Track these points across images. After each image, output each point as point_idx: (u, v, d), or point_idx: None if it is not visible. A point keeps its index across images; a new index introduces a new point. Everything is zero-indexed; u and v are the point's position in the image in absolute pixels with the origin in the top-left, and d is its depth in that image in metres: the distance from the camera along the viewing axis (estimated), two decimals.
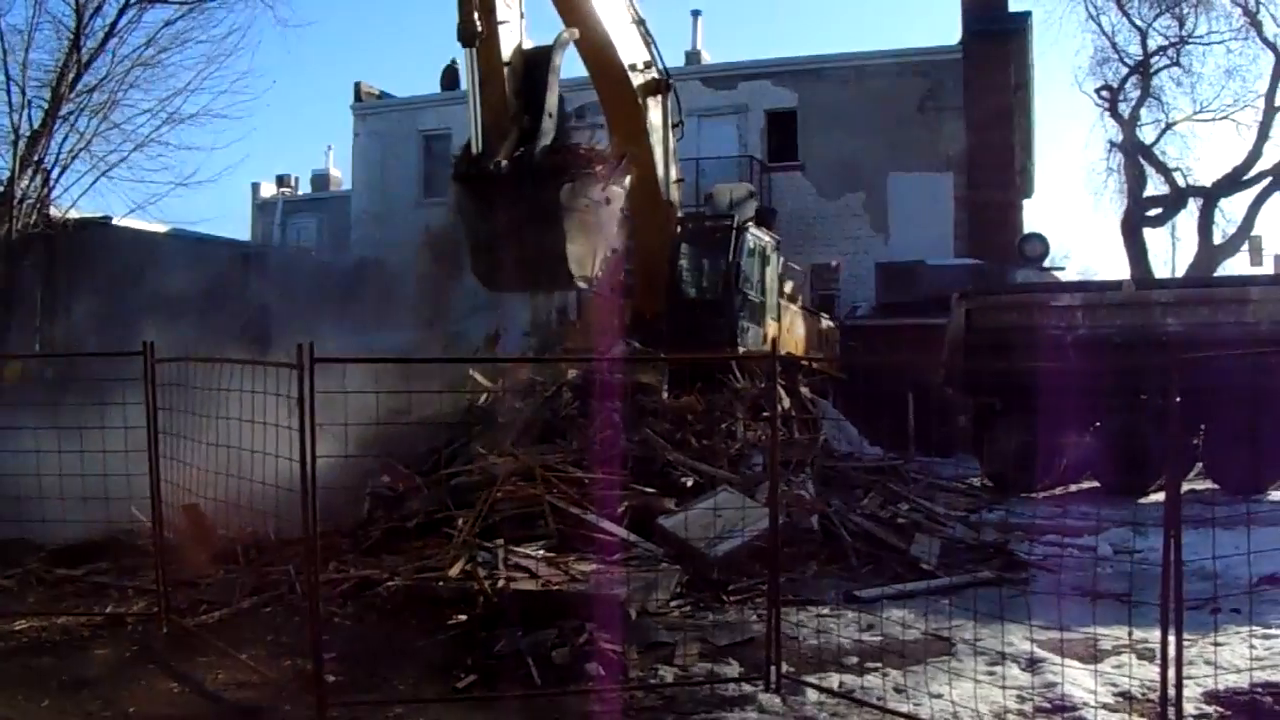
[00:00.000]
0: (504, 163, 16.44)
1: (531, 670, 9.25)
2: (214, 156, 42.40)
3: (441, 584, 11.55)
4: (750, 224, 25.15)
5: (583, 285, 18.23)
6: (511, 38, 16.98)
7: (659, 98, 21.26)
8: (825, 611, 11.67)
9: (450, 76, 47.93)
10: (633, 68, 20.36)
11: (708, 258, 25.23)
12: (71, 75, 28.34)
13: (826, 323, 31.93)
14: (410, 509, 14.17)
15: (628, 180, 18.95)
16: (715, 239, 25.04)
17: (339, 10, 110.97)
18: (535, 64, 17.44)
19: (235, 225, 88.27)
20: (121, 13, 28.56)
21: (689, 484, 15.13)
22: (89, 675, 9.51)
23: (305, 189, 63.03)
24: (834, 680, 9.28)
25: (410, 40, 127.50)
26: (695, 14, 46.43)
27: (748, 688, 9.15)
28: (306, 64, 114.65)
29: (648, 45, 21.02)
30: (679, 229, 23.31)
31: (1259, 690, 8.73)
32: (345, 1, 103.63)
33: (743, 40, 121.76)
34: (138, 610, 11.68)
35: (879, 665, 9.70)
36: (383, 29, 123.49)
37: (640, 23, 20.82)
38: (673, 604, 11.93)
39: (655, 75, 21.12)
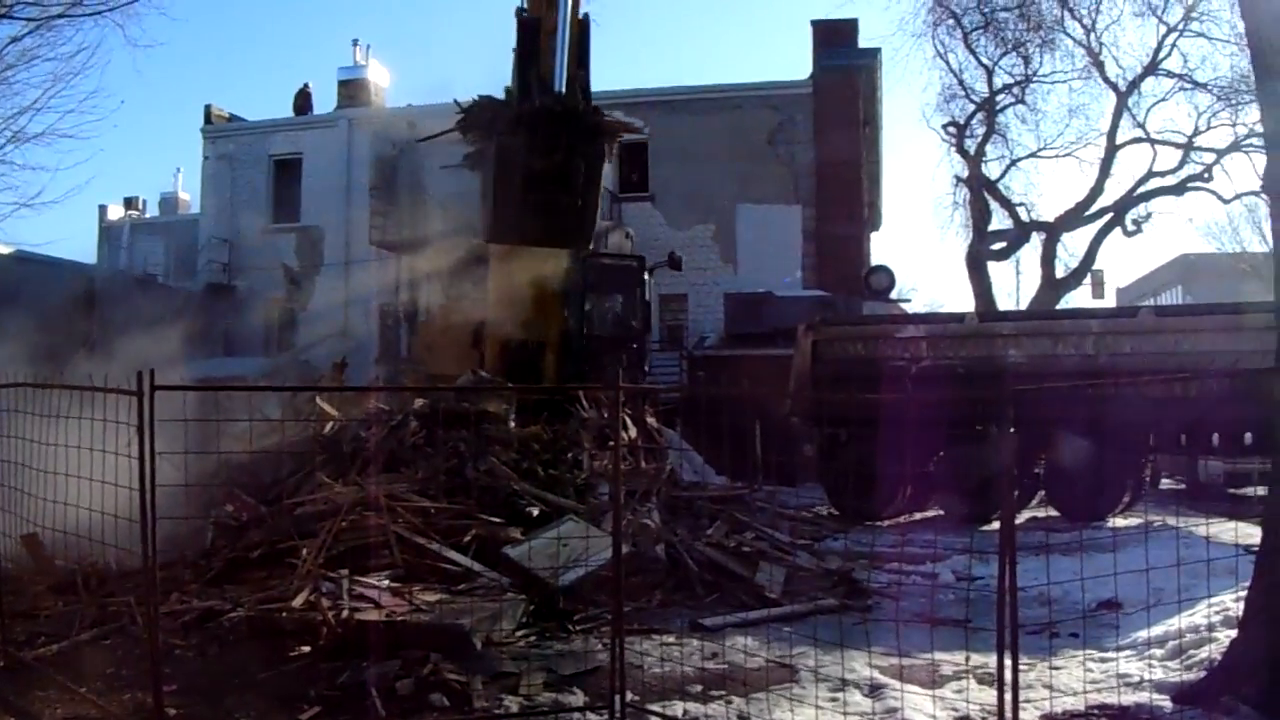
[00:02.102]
0: (583, 103, 18.62)
1: (375, 701, 9.17)
2: (60, 177, 41.79)
3: (285, 615, 11.43)
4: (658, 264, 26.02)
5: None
6: None
7: None
8: (670, 640, 11.66)
9: (302, 101, 47.61)
10: None
11: (613, 294, 25.65)
12: None
13: None
14: (254, 538, 14.00)
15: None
16: (616, 276, 25.59)
17: (190, 31, 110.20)
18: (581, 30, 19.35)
19: (81, 248, 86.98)
20: None
21: (535, 513, 15.08)
22: None
23: (153, 212, 62.16)
24: (678, 709, 9.31)
25: (262, 64, 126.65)
26: None
27: (593, 717, 9.19)
28: (156, 85, 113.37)
29: None
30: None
31: (1094, 712, 8.90)
32: (197, 23, 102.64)
33: (595, 71, 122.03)
34: None
35: (723, 693, 9.77)
36: (234, 52, 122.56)
37: None
38: (518, 634, 11.90)
39: None
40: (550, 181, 18.44)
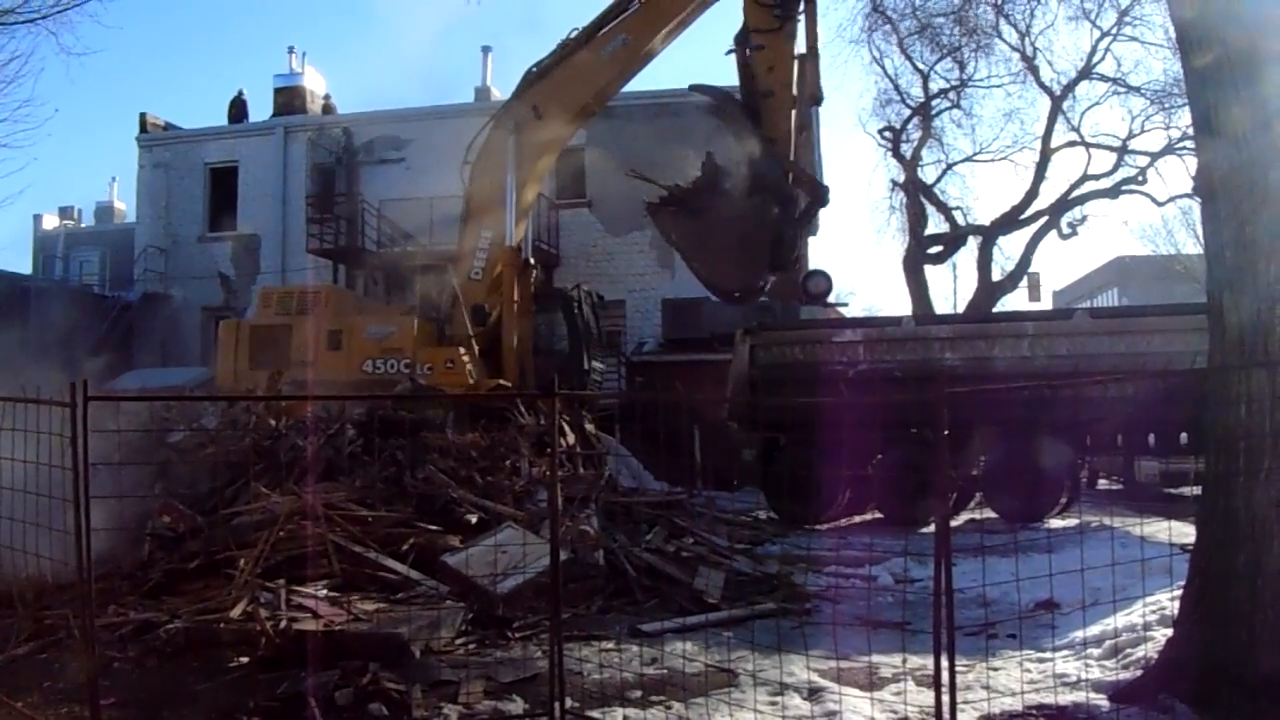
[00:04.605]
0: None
1: (314, 712, 9.12)
2: None
3: (223, 626, 11.39)
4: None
5: None
6: None
7: None
8: (609, 646, 11.71)
9: (237, 108, 47.36)
10: None
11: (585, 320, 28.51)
12: None
13: None
14: (191, 549, 13.89)
15: None
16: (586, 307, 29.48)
17: (125, 40, 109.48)
18: None
19: (15, 258, 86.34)
20: None
21: (473, 521, 15.08)
22: None
23: (89, 221, 61.76)
24: (618, 714, 9.30)
25: (197, 72, 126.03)
26: (485, 50, 46.37)
27: None
28: (91, 93, 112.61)
29: None
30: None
31: (1032, 712, 8.94)
32: (131, 31, 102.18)
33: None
34: None
35: (663, 698, 9.78)
36: (169, 60, 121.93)
37: None
38: (457, 642, 11.88)
39: None
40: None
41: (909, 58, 43.34)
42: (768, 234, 21.48)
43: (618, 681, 10.29)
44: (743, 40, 23.09)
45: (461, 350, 25.10)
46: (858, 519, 24.97)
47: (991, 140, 52.33)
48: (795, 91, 22.63)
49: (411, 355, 25.45)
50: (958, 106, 44.36)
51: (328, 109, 47.46)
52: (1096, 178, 42.94)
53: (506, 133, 25.32)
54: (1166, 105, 40.16)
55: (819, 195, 22.65)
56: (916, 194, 44.34)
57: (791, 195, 21.82)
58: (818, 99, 23.20)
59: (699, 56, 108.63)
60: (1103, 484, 31.13)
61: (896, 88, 44.31)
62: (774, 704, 9.44)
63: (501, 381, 24.29)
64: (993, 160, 46.48)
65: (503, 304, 25.75)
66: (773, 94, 22.46)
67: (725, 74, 23.42)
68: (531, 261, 27.73)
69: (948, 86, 43.92)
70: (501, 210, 25.23)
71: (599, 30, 24.51)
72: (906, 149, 44.62)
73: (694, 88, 24.47)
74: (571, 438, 20.27)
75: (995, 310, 40.57)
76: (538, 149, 25.82)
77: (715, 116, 23.48)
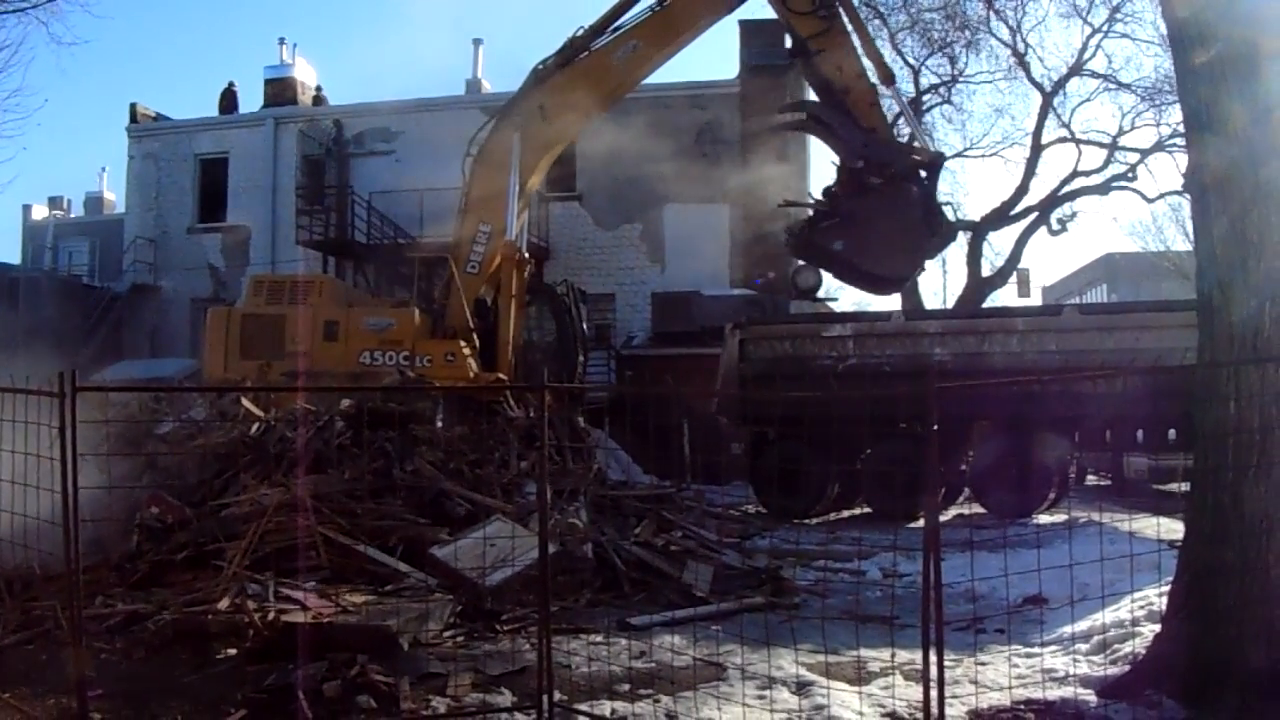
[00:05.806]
0: None
1: (302, 704, 9.09)
2: None
3: (211, 617, 11.33)
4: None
5: None
6: None
7: None
8: (598, 639, 11.67)
9: (228, 100, 47.21)
10: None
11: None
12: None
13: None
14: (179, 541, 13.84)
15: None
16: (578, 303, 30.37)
17: (115, 29, 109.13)
18: None
19: (4, 248, 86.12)
20: None
21: (462, 514, 15.05)
22: None
23: (78, 211, 61.55)
24: (606, 708, 9.29)
25: (187, 62, 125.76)
26: (476, 42, 46.34)
27: (520, 717, 9.13)
28: (81, 83, 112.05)
29: None
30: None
31: (1020, 707, 8.94)
32: (122, 21, 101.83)
33: (523, 69, 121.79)
34: None
35: (651, 692, 9.74)
36: (160, 50, 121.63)
37: None
38: (445, 634, 11.84)
39: None
40: None
41: (900, 53, 43.32)
42: (919, 211, 22.52)
43: (606, 675, 10.27)
44: (800, 52, 24.27)
45: (463, 343, 25.09)
46: (846, 513, 25.00)
47: (982, 136, 52.49)
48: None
49: (411, 348, 25.39)
50: (948, 102, 44.53)
51: (318, 100, 47.31)
52: (1086, 174, 43.04)
53: (512, 129, 25.42)
54: (1157, 102, 40.29)
55: (938, 160, 24.30)
56: None
57: (917, 170, 22.98)
58: (891, 77, 25.16)
59: (699, 52, 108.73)
60: (1091, 480, 31.19)
61: None
62: (762, 698, 9.44)
63: (500, 375, 24.31)
64: (983, 156, 46.59)
65: (500, 298, 25.79)
66: (850, 89, 23.34)
67: (721, 67, 23.77)
68: (527, 256, 27.68)
69: (938, 82, 44.04)
70: (501, 205, 25.22)
71: (606, 29, 24.60)
72: None
73: (785, 108, 25.94)
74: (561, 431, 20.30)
75: (985, 306, 40.56)
76: (542, 147, 25.95)
77: (814, 129, 24.15)
